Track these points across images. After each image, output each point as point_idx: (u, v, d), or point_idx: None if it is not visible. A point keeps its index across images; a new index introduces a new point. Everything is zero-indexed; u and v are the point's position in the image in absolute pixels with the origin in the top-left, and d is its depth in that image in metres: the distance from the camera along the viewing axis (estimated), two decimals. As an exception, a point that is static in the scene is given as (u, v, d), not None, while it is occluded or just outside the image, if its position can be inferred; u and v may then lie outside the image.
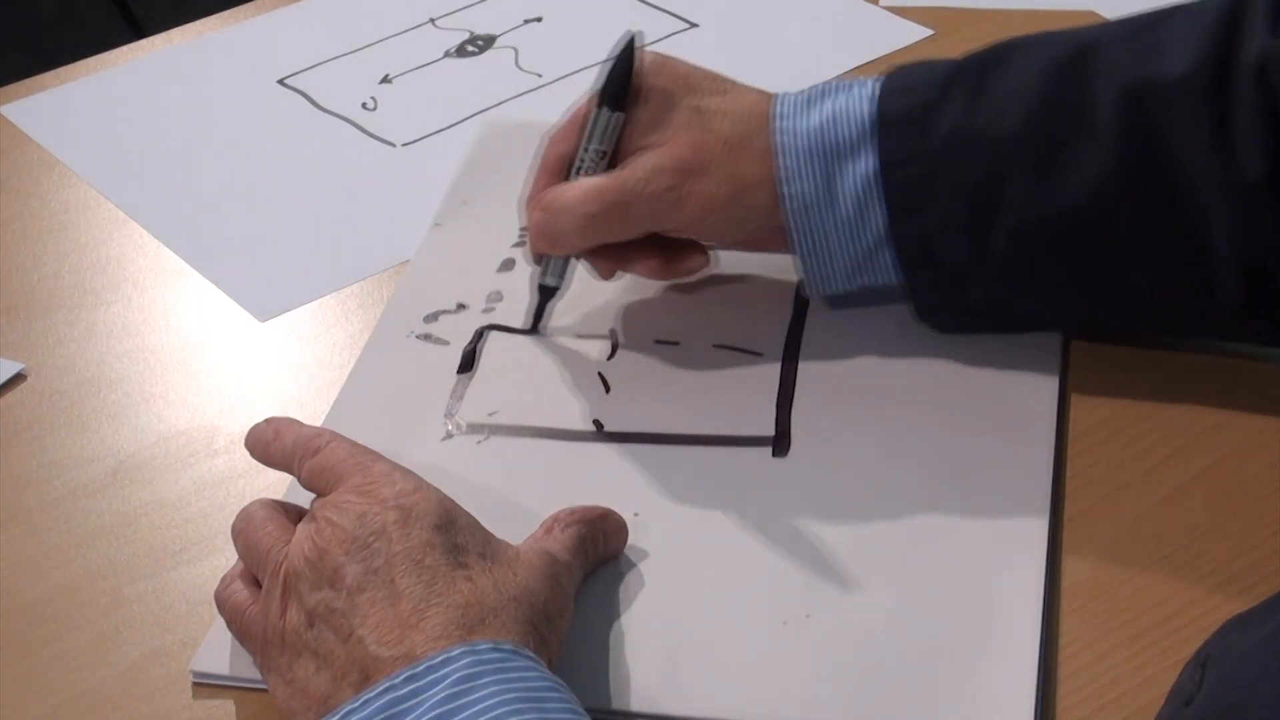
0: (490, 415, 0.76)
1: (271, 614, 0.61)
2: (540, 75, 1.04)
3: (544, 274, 0.79)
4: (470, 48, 1.07)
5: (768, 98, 0.76)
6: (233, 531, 0.66)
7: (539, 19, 1.10)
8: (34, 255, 0.91)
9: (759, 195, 0.74)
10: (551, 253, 0.78)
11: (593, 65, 1.04)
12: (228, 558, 0.70)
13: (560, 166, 0.77)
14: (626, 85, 0.75)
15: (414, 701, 0.55)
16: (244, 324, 0.85)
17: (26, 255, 0.91)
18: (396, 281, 0.86)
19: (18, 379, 0.82)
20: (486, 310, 0.83)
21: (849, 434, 0.73)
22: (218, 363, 0.83)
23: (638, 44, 0.76)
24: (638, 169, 0.74)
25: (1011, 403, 0.74)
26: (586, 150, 0.76)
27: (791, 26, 1.06)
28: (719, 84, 0.77)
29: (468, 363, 0.79)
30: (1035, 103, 0.71)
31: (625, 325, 0.81)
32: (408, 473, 0.64)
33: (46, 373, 0.82)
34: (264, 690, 0.64)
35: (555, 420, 0.76)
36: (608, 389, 0.77)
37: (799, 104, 0.75)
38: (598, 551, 0.67)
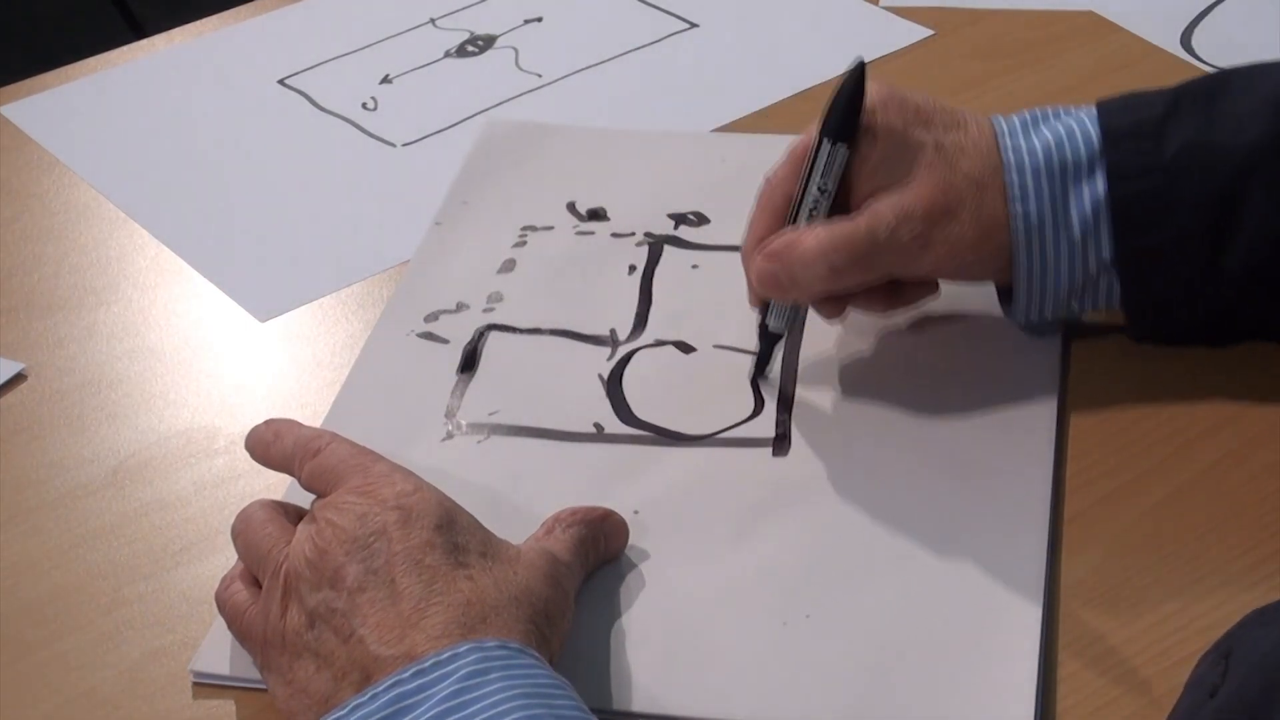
0: (490, 415, 0.76)
1: (272, 614, 0.61)
2: (540, 75, 1.04)
3: (771, 317, 0.75)
4: (470, 48, 1.07)
5: (990, 123, 0.73)
6: (232, 532, 0.66)
7: (539, 19, 1.10)
8: (34, 255, 0.91)
9: (1004, 234, 0.71)
10: (781, 300, 0.74)
11: (593, 65, 1.04)
12: (228, 558, 0.70)
13: (784, 208, 0.73)
14: (856, 117, 0.71)
15: (421, 696, 0.55)
16: (244, 324, 0.85)
17: (26, 255, 0.91)
18: (396, 281, 0.86)
19: (18, 379, 0.82)
20: (486, 310, 0.83)
21: (849, 434, 0.73)
22: (218, 363, 0.83)
23: (868, 73, 0.71)
24: (884, 215, 0.70)
25: (1012, 403, 0.74)
26: (809, 189, 0.71)
27: (791, 26, 1.06)
28: (954, 116, 0.73)
29: (468, 362, 0.80)
30: (1275, 118, 0.70)
31: (625, 325, 0.81)
32: (408, 473, 0.64)
33: (46, 373, 0.82)
34: (264, 690, 0.64)
35: (555, 420, 0.76)
36: (608, 389, 0.77)
37: (1022, 124, 0.72)
38: (599, 552, 0.67)
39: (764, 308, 0.75)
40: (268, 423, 0.69)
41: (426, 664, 0.56)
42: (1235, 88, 0.72)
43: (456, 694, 0.54)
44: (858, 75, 0.71)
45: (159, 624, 0.68)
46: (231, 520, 0.68)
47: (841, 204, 0.72)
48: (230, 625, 0.65)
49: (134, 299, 0.87)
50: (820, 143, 0.71)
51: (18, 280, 0.89)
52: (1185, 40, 1.00)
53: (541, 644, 0.59)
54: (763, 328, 0.76)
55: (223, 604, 0.65)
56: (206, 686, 0.65)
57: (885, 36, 1.04)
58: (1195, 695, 0.55)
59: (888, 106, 0.72)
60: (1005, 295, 0.76)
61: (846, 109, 0.71)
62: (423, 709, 0.55)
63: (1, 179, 0.98)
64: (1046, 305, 0.73)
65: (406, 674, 0.56)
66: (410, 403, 0.77)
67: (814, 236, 0.71)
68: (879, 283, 0.74)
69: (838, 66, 1.00)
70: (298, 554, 0.61)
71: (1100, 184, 0.71)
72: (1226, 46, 0.99)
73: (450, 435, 0.75)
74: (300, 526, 0.63)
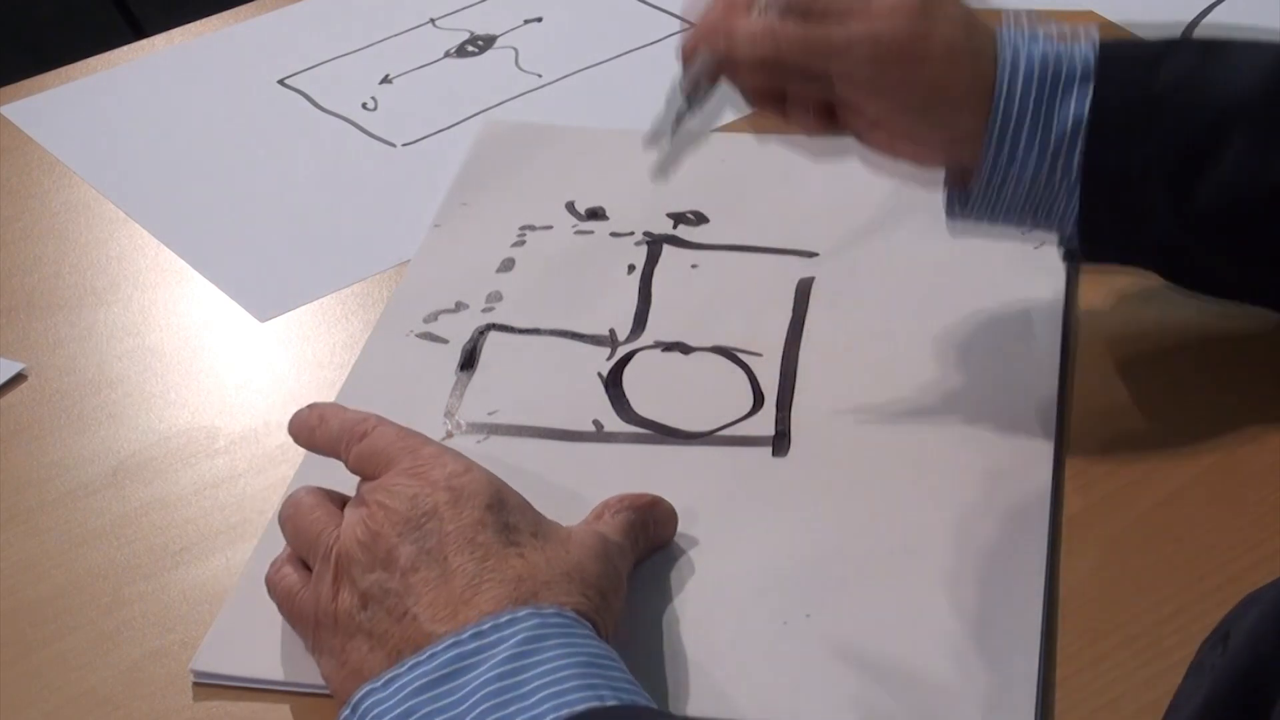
0: (490, 415, 0.76)
1: (323, 597, 0.62)
2: (540, 75, 1.04)
3: (684, 78, 0.72)
4: (470, 48, 1.07)
5: (994, 14, 0.71)
6: (280, 518, 0.66)
7: (539, 19, 1.10)
8: (34, 255, 0.91)
9: (957, 113, 0.70)
10: (712, 54, 0.71)
11: (593, 65, 1.04)
12: (228, 558, 0.70)
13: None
14: None
15: (481, 657, 0.56)
16: (244, 324, 0.85)
17: (26, 255, 0.91)
18: (396, 281, 0.86)
19: (18, 379, 0.82)
20: (486, 310, 0.83)
21: (849, 434, 0.73)
22: (218, 363, 0.83)
23: None
24: (850, 29, 0.69)
25: (1012, 403, 0.74)
26: None
27: (791, 26, 1.06)
28: None
29: (468, 360, 0.80)
30: (1268, 77, 0.69)
31: (625, 325, 0.81)
32: (457, 454, 0.64)
33: (46, 373, 0.82)
34: (264, 690, 0.64)
35: (555, 420, 0.76)
36: (608, 389, 0.77)
37: (1025, 33, 0.71)
38: (648, 537, 0.67)
39: (686, 71, 0.73)
40: (311, 407, 0.69)
41: (485, 626, 0.57)
42: (1240, 41, 0.72)
43: (514, 658, 0.55)
44: None
45: (159, 624, 0.68)
46: (231, 520, 0.68)
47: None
48: (281, 608, 0.65)
49: (134, 299, 0.87)
50: None
51: (18, 280, 0.89)
52: (1185, 40, 1.00)
53: (596, 617, 0.60)
54: (680, 95, 0.73)
55: (273, 587, 0.65)
56: (206, 686, 0.65)
57: (885, 36, 1.03)
58: (1196, 678, 0.55)
59: None
60: (957, 199, 0.74)
61: None
62: (480, 669, 0.55)
63: (1, 179, 0.98)
64: (1000, 206, 0.72)
65: (465, 634, 0.57)
66: (410, 402, 0.77)
67: (770, 18, 0.69)
68: (818, 93, 0.72)
69: (838, 66, 1.01)
70: (349, 536, 0.62)
71: (1087, 98, 0.70)
72: (1226, 46, 0.99)
73: (450, 435, 0.75)
74: (349, 510, 0.63)
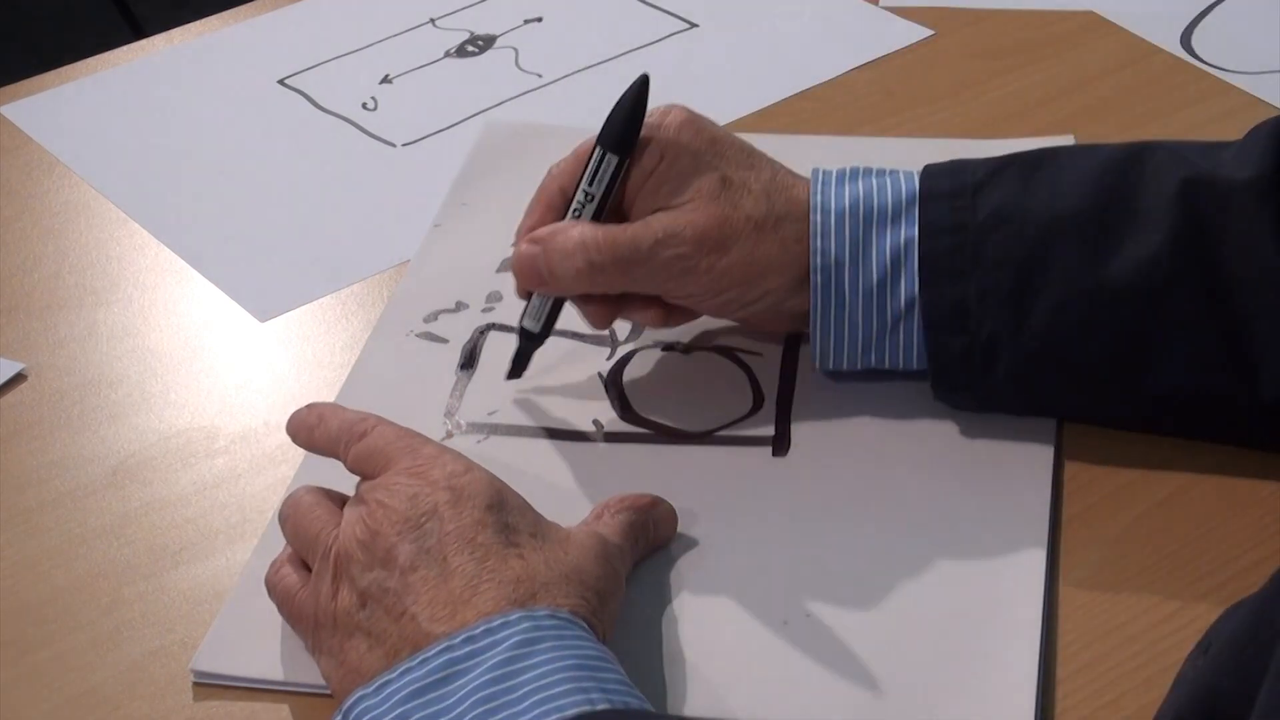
0: (490, 415, 0.76)
1: (322, 596, 0.62)
2: (540, 75, 1.04)
3: (526, 316, 0.75)
4: (470, 48, 1.07)
5: (797, 177, 0.73)
6: (280, 517, 0.66)
7: (539, 19, 1.10)
8: (34, 255, 0.91)
9: (776, 279, 0.72)
10: (540, 291, 0.74)
11: (593, 65, 1.04)
12: (228, 558, 0.70)
13: (558, 202, 0.74)
14: (631, 130, 0.72)
15: (472, 662, 0.56)
16: (244, 324, 0.85)
17: (26, 255, 0.91)
18: (396, 281, 0.86)
19: (18, 379, 0.82)
20: (486, 310, 0.83)
21: (849, 434, 0.73)
22: (218, 363, 0.83)
23: (649, 87, 0.73)
24: (653, 229, 0.71)
25: (1011, 403, 0.74)
26: (578, 190, 0.72)
27: (791, 26, 1.06)
28: (749, 156, 0.73)
29: (468, 360, 0.80)
30: (1090, 187, 0.70)
31: (625, 325, 0.81)
32: (457, 454, 0.64)
33: (46, 373, 0.82)
34: (264, 690, 0.64)
35: (555, 420, 0.76)
36: (608, 389, 0.77)
37: (839, 176, 0.73)
38: (648, 538, 0.67)
39: (526, 305, 0.75)
40: (309, 407, 0.69)
41: (477, 630, 0.57)
42: (1059, 162, 0.72)
43: (506, 662, 0.55)
44: (638, 88, 0.72)
45: (159, 624, 0.68)
46: (231, 520, 0.68)
47: (619, 215, 0.73)
48: (280, 608, 0.65)
49: (134, 299, 0.87)
50: (595, 149, 0.72)
51: (18, 280, 0.89)
52: (1185, 40, 1.00)
53: (592, 619, 0.60)
54: (520, 326, 0.75)
55: (272, 587, 0.65)
56: (206, 686, 0.65)
57: (885, 36, 1.04)
58: (1178, 690, 0.55)
59: (683, 129, 0.73)
60: (817, 353, 0.74)
61: (624, 122, 0.72)
62: (472, 675, 0.55)
63: (1, 179, 0.98)
64: (844, 352, 0.73)
65: (457, 639, 0.57)
66: (410, 402, 0.77)
67: (578, 229, 0.72)
68: (643, 295, 0.74)
69: (838, 66, 1.01)
70: (348, 535, 0.62)
71: (904, 231, 0.71)
72: (1226, 46, 0.99)
73: (450, 435, 0.75)
74: (348, 509, 0.64)
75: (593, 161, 0.72)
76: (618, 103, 0.72)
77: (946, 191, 0.71)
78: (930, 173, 0.73)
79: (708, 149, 0.73)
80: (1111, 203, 0.70)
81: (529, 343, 0.76)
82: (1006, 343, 0.70)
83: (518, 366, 0.76)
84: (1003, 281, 0.70)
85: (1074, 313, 0.69)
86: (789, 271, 0.72)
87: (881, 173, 0.73)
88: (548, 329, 0.75)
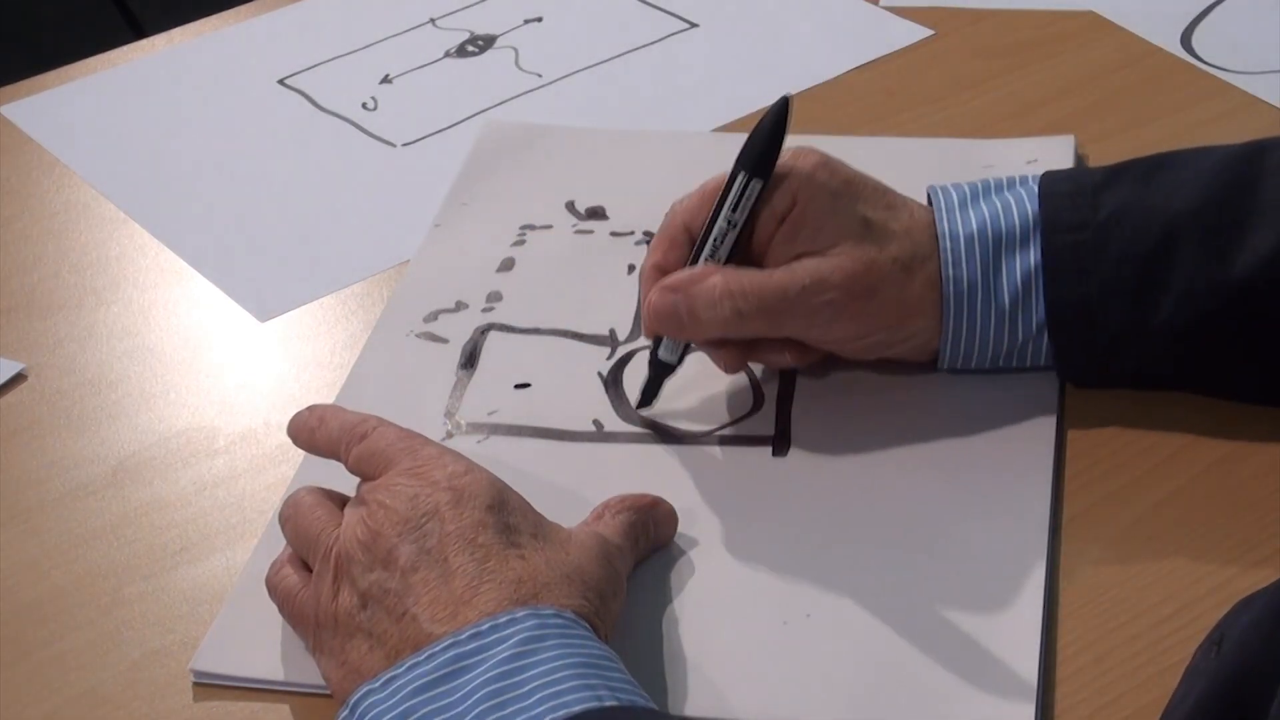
0: (490, 415, 0.76)
1: (323, 597, 0.62)
2: (540, 75, 1.04)
3: (662, 349, 0.73)
4: (470, 48, 1.07)
5: (926, 209, 0.73)
6: (280, 518, 0.66)
7: (539, 19, 1.10)
8: (34, 255, 0.91)
9: (923, 319, 0.72)
10: (676, 337, 0.73)
11: (592, 65, 1.04)
12: (228, 558, 0.70)
13: (683, 239, 0.72)
14: (774, 154, 0.70)
15: (479, 658, 0.56)
16: (244, 324, 0.85)
17: (26, 255, 0.91)
18: (396, 281, 0.86)
19: (18, 379, 0.82)
20: (486, 310, 0.83)
21: (849, 434, 0.73)
22: (218, 363, 0.83)
23: (789, 109, 0.71)
24: (799, 275, 0.70)
25: (1012, 402, 0.74)
26: (718, 219, 0.70)
27: (791, 26, 1.06)
28: (884, 195, 0.73)
29: (468, 360, 0.80)
30: (1211, 183, 0.70)
31: (625, 325, 0.81)
32: (458, 455, 0.64)
33: (46, 373, 0.82)
34: (264, 690, 0.64)
35: (555, 420, 0.76)
36: (608, 389, 0.77)
37: (960, 200, 0.72)
38: (649, 538, 0.67)
39: (656, 338, 0.74)
40: (310, 409, 0.69)
41: (484, 627, 0.57)
42: (1175, 163, 0.73)
43: (513, 658, 0.56)
44: (780, 111, 0.71)
45: (159, 624, 0.68)
46: (231, 520, 0.68)
47: (741, 247, 0.72)
48: (281, 609, 0.65)
49: (134, 299, 0.87)
50: (736, 174, 0.71)
51: (18, 280, 0.89)
52: (1185, 40, 1.00)
53: (594, 619, 0.60)
54: (653, 356, 0.74)
55: (273, 588, 0.65)
56: (206, 686, 0.65)
57: (885, 36, 1.04)
58: (1190, 682, 0.55)
59: (818, 170, 0.71)
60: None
61: (766, 143, 0.70)
62: (479, 670, 0.56)
63: (1, 179, 0.98)
64: (971, 364, 0.74)
65: (464, 635, 0.57)
66: (410, 403, 0.77)
67: (719, 276, 0.70)
68: (776, 340, 0.73)
69: (838, 66, 1.01)
70: (349, 536, 0.62)
71: (1034, 254, 0.71)
72: (1226, 46, 0.99)
73: (450, 435, 0.75)
74: (349, 510, 0.64)
75: (735, 189, 0.70)
76: (757, 126, 0.71)
77: (1067, 191, 0.72)
78: (1050, 177, 0.73)
79: (844, 190, 0.71)
80: (1232, 198, 0.70)
81: (665, 372, 0.74)
82: (1131, 339, 0.71)
83: (648, 395, 0.75)
84: (1126, 278, 0.70)
85: (1198, 307, 0.70)
86: (937, 310, 0.71)
87: (1000, 187, 0.73)
88: (682, 359, 0.74)
